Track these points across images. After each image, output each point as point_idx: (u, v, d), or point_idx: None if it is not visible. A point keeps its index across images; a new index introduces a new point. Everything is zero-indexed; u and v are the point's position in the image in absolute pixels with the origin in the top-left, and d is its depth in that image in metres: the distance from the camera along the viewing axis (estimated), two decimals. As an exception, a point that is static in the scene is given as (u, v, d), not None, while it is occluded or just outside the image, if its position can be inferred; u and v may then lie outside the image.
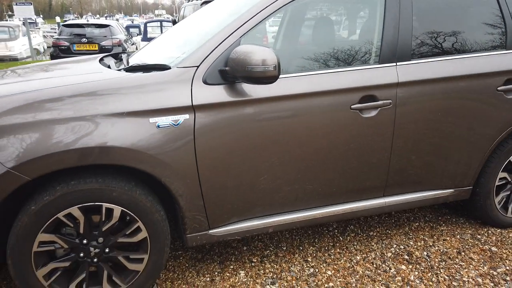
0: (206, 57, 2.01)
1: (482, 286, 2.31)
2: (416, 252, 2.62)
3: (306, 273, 2.41)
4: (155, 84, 1.95)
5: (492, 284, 2.32)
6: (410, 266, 2.48)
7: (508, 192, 2.85)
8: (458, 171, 2.63)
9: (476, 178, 2.71)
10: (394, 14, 2.33)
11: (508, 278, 2.37)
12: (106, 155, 1.83)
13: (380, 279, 2.36)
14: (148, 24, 17.43)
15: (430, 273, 2.41)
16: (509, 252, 2.64)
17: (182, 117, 1.94)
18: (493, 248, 2.67)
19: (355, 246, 2.69)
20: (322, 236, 2.81)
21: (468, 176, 2.67)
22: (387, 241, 2.74)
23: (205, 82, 1.99)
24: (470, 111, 2.49)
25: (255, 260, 2.54)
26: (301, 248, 2.67)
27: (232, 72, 1.95)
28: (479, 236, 2.82)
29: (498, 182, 2.77)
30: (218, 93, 2.00)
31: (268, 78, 1.89)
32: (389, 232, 2.87)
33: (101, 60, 2.71)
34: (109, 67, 2.43)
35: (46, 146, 1.74)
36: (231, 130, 2.02)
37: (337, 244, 2.71)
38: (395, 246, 2.69)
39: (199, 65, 2.00)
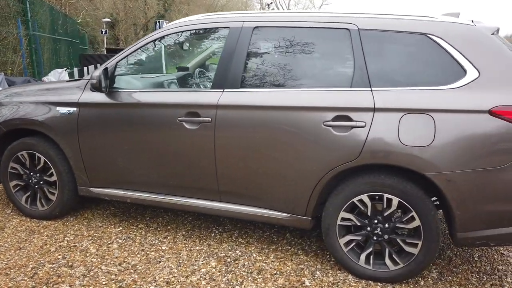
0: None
1: (242, 296, 2.51)
2: (242, 261, 2.91)
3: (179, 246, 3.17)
4: (69, 87, 3.27)
5: (250, 298, 2.48)
6: (220, 264, 2.85)
7: (359, 238, 2.67)
8: (288, 197, 2.76)
9: (312, 211, 2.73)
10: (229, 54, 2.84)
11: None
12: (35, 124, 3.27)
13: (187, 262, 2.88)
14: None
15: (222, 272, 2.74)
16: (318, 291, 2.57)
17: (73, 109, 3.18)
18: (307, 282, 2.65)
19: (228, 246, 3.14)
20: (223, 232, 3.40)
21: (300, 205, 2.74)
22: (247, 254, 3.08)
23: (91, 90, 3.16)
24: (293, 140, 2.65)
25: (171, 228, 3.45)
26: (204, 235, 3.38)
27: (97, 84, 3.06)
28: (327, 271, 2.77)
29: (340, 221, 2.68)
30: (93, 97, 3.13)
31: (97, 88, 2.93)
32: (265, 247, 3.14)
33: None
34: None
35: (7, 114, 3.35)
36: (95, 120, 3.12)
37: (222, 239, 3.26)
38: (248, 257, 3.03)
39: (90, 79, 3.19)
